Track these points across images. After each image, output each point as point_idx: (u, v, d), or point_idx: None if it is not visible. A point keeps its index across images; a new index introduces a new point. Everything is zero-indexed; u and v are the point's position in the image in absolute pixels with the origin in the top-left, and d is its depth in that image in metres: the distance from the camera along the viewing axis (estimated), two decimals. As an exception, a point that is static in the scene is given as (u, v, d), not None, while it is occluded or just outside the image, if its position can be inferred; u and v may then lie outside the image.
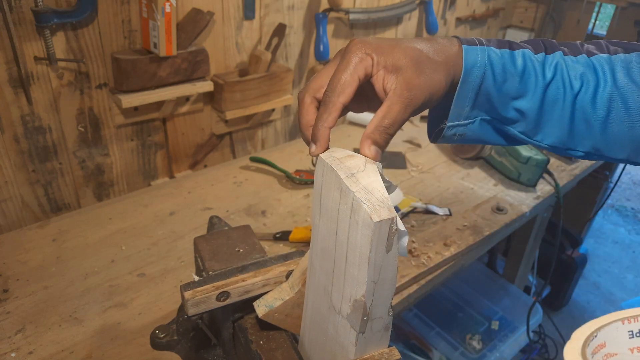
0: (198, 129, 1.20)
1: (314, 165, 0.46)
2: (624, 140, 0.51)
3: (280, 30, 1.18)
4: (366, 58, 0.45)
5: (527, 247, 1.51)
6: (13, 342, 0.73)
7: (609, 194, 1.61)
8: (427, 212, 1.10)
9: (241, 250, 0.63)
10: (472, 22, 1.85)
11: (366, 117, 1.50)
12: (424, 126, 1.54)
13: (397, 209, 1.08)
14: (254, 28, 1.19)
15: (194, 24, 1.04)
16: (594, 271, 2.37)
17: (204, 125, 1.21)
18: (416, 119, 1.55)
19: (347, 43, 0.47)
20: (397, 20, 1.55)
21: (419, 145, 1.41)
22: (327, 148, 0.45)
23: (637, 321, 0.38)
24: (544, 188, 1.24)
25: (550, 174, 1.29)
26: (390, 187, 0.43)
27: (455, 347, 1.43)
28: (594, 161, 1.43)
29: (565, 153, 0.54)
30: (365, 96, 0.50)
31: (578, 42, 0.55)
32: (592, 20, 1.86)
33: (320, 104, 0.46)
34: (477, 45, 0.49)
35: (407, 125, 1.54)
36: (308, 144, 0.46)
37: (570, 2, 1.87)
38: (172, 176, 1.21)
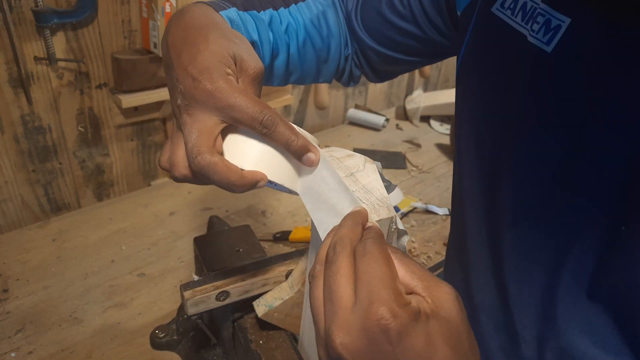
0: (198, 129, 1.20)
1: None
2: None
3: (280, 30, 1.18)
4: (231, 78, 0.40)
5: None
6: (13, 342, 0.73)
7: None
8: (427, 212, 1.10)
9: (241, 250, 0.63)
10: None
11: (366, 116, 1.50)
12: (424, 126, 1.54)
13: (396, 208, 1.08)
14: (253, 28, 1.19)
15: (193, 24, 1.04)
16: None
17: (204, 125, 1.21)
18: (416, 118, 1.55)
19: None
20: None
21: (419, 145, 1.41)
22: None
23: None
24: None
25: (550, 174, 1.29)
26: (389, 187, 0.43)
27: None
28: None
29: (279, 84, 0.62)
30: None
31: None
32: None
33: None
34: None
35: (407, 125, 1.54)
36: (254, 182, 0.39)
37: None
38: (172, 176, 1.21)
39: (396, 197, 1.11)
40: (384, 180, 0.42)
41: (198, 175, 0.38)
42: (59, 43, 0.90)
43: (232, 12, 0.50)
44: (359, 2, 0.62)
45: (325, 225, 0.40)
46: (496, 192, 0.44)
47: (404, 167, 1.29)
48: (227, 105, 0.37)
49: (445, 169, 1.30)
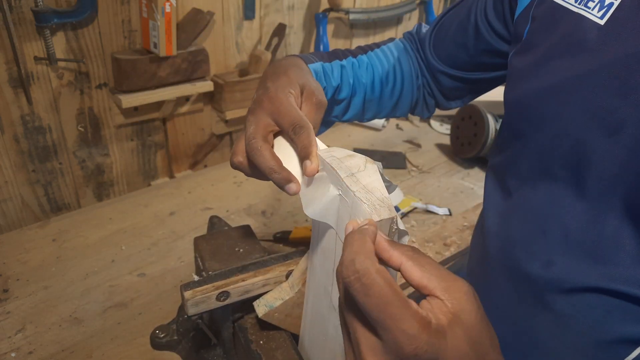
0: (198, 129, 1.20)
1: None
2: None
3: (280, 30, 1.18)
4: (289, 92, 0.51)
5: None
6: (13, 342, 0.73)
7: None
8: (427, 212, 1.10)
9: (241, 250, 0.63)
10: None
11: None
12: (424, 126, 1.54)
13: (397, 208, 1.08)
14: (254, 28, 1.19)
15: (194, 24, 1.04)
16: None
17: (204, 125, 1.21)
18: (416, 119, 1.55)
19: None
20: (397, 20, 1.55)
21: (419, 146, 1.41)
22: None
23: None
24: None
25: (550, 174, 1.28)
26: (390, 187, 0.43)
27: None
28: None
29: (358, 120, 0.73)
30: None
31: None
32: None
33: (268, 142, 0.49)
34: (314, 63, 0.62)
35: (407, 125, 1.54)
36: (287, 179, 0.47)
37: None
38: (172, 176, 1.21)
39: (396, 197, 1.11)
40: (384, 180, 0.42)
41: (250, 158, 0.47)
42: (59, 43, 0.90)
43: (318, 65, 0.62)
44: (431, 37, 0.72)
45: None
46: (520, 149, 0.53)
47: (404, 167, 1.29)
48: (276, 110, 0.48)
49: (445, 169, 1.30)
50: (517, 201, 0.55)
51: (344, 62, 0.67)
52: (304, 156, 0.46)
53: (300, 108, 0.51)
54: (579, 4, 0.47)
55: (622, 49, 0.43)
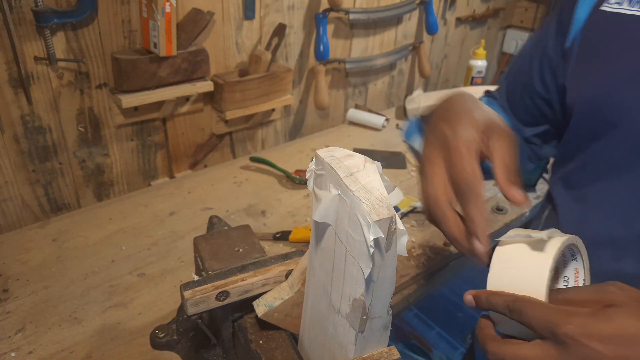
0: (198, 129, 1.20)
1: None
2: None
3: (280, 30, 1.18)
4: (472, 142, 0.48)
5: (527, 247, 1.51)
6: (13, 342, 0.73)
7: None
8: (427, 212, 1.10)
9: (241, 250, 0.63)
10: (472, 22, 1.85)
11: (366, 116, 1.50)
12: (424, 126, 1.54)
13: (397, 208, 1.08)
14: (254, 28, 1.19)
15: (194, 24, 1.04)
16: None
17: (204, 125, 1.21)
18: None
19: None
20: (397, 20, 1.55)
21: (419, 145, 1.41)
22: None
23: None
24: (543, 188, 1.24)
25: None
26: (388, 187, 0.43)
27: (455, 347, 1.42)
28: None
29: None
30: None
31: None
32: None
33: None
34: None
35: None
36: (471, 252, 0.47)
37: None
38: (172, 176, 1.21)
39: (396, 197, 1.11)
40: (383, 180, 0.42)
41: (433, 220, 0.53)
42: (59, 43, 0.90)
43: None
44: (502, 90, 0.74)
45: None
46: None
47: (404, 167, 1.29)
48: (453, 164, 0.48)
49: (445, 169, 1.30)
50: (595, 201, 0.56)
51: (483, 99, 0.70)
52: (471, 231, 0.46)
53: (490, 147, 0.49)
54: (633, 6, 0.50)
55: None
